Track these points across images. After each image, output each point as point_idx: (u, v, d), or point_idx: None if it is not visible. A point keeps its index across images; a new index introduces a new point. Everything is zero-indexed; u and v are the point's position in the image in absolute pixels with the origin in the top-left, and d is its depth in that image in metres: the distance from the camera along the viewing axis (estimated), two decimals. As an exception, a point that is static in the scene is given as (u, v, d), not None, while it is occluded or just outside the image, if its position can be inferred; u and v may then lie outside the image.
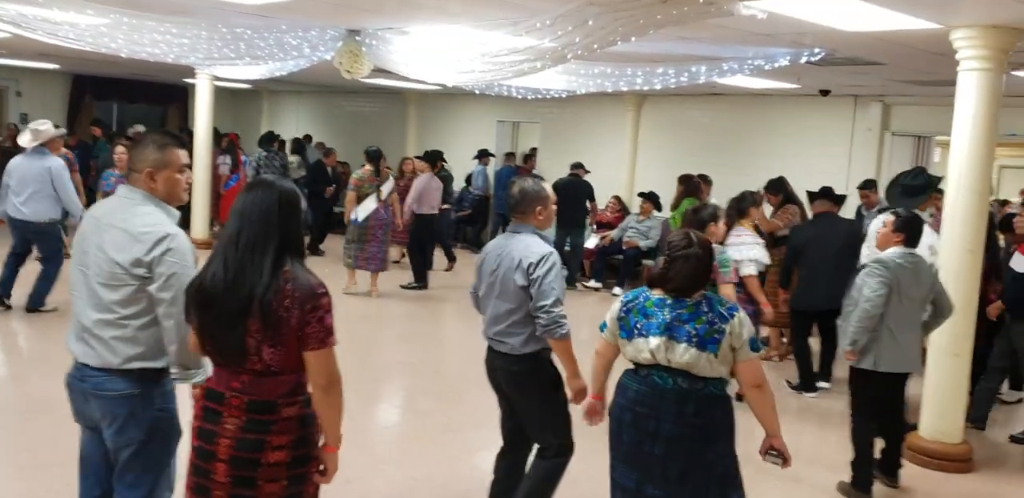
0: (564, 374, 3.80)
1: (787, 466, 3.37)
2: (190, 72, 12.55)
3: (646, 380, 3.30)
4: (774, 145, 11.41)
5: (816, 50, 6.89)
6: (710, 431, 3.25)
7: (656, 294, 3.33)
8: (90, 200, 10.17)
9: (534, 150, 14.62)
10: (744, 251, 6.17)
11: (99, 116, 17.20)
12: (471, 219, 14.41)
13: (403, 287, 10.24)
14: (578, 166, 11.36)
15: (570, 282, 10.88)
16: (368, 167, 9.77)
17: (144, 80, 17.85)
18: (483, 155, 14.16)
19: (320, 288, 2.52)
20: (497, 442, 5.50)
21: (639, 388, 3.31)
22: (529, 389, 3.81)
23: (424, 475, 4.70)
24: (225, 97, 17.61)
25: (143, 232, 2.80)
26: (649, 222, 10.92)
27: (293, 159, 14.09)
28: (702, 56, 7.37)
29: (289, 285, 2.48)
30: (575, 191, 10.89)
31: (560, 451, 3.85)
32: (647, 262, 10.73)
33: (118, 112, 18.53)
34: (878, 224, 5.15)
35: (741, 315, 3.24)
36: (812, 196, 7.35)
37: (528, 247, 3.69)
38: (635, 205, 11.68)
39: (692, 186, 9.52)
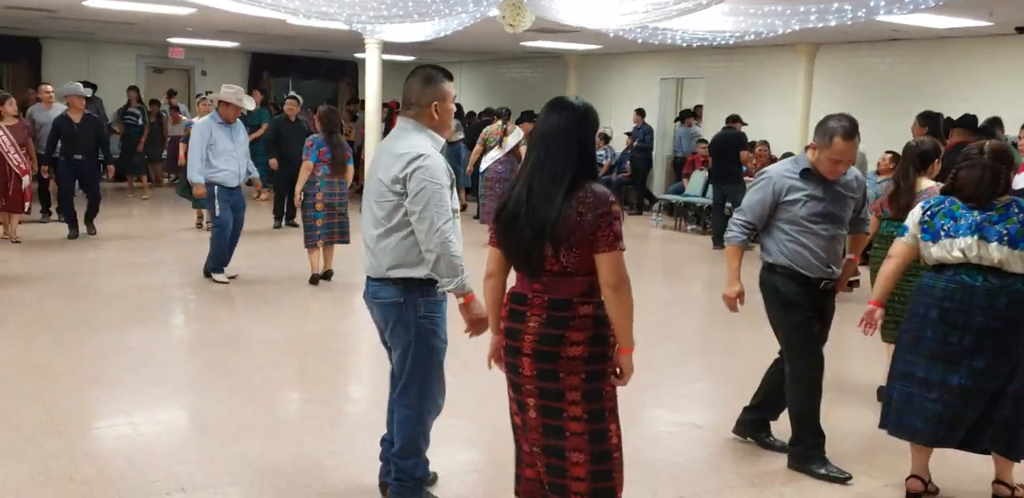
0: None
1: None
2: (359, 46, 12.96)
3: (954, 279, 3.50)
4: (962, 91, 10.58)
5: (1013, -27, 6.33)
6: (1019, 324, 3.43)
7: None
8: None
9: (699, 107, 14.26)
10: None
11: (276, 92, 18.12)
12: (632, 181, 14.22)
13: None
14: (734, 119, 10.93)
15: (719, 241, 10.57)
16: (498, 122, 10.59)
17: (317, 57, 18.64)
18: (687, 116, 14.08)
19: (611, 196, 2.68)
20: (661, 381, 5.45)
21: (946, 286, 3.51)
22: (763, 297, 4.09)
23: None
24: (392, 70, 18.08)
25: (402, 153, 3.10)
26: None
27: (453, 123, 14.42)
28: (882, -10, 6.92)
29: (582, 192, 2.65)
30: (728, 143, 10.56)
31: (791, 365, 3.99)
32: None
33: (293, 88, 19.42)
34: None
35: None
36: (949, 125, 6.76)
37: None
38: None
39: None
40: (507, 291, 2.86)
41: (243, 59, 18.57)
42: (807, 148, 4.00)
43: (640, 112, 14.06)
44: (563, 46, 13.67)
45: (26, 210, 9.21)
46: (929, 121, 7.65)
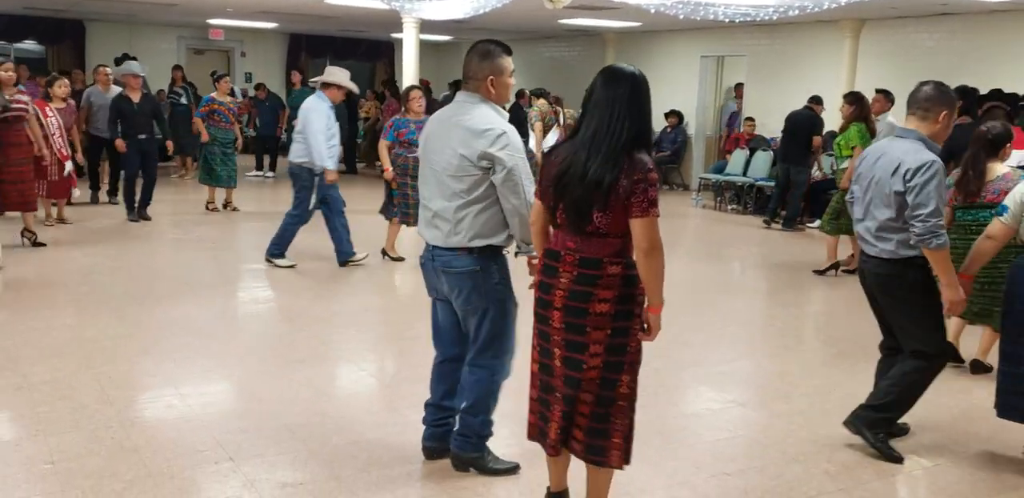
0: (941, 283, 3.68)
1: None
2: (397, 26, 12.94)
3: None
4: (1013, 67, 10.32)
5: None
6: None
7: None
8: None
9: (740, 85, 14.07)
10: None
11: (314, 73, 18.11)
12: (672, 160, 14.10)
13: None
14: (815, 100, 10.54)
15: (788, 223, 10.43)
16: (542, 100, 10.78)
17: (354, 37, 18.66)
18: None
19: (649, 163, 2.73)
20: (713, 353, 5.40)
21: None
22: (895, 293, 3.80)
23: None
24: (429, 50, 18.08)
25: (485, 129, 3.17)
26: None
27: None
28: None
29: (624, 159, 2.72)
30: (800, 124, 10.23)
31: (926, 358, 3.80)
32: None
33: (331, 69, 19.49)
34: None
35: None
36: (981, 99, 6.61)
37: (910, 152, 3.63)
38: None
39: (865, 107, 7.95)
40: (545, 247, 2.98)
41: (281, 40, 18.65)
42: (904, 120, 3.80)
43: None
44: (602, 23, 13.54)
45: (71, 196, 9.28)
46: (964, 97, 7.48)
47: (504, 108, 3.36)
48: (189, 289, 6.60)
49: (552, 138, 10.45)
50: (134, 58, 13.47)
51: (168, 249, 8.22)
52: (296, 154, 7.06)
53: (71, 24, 16.27)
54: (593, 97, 2.80)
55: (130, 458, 3.55)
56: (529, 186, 3.18)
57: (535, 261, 3.19)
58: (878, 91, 8.67)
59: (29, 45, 16.86)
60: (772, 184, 11.06)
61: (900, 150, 3.67)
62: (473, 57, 3.27)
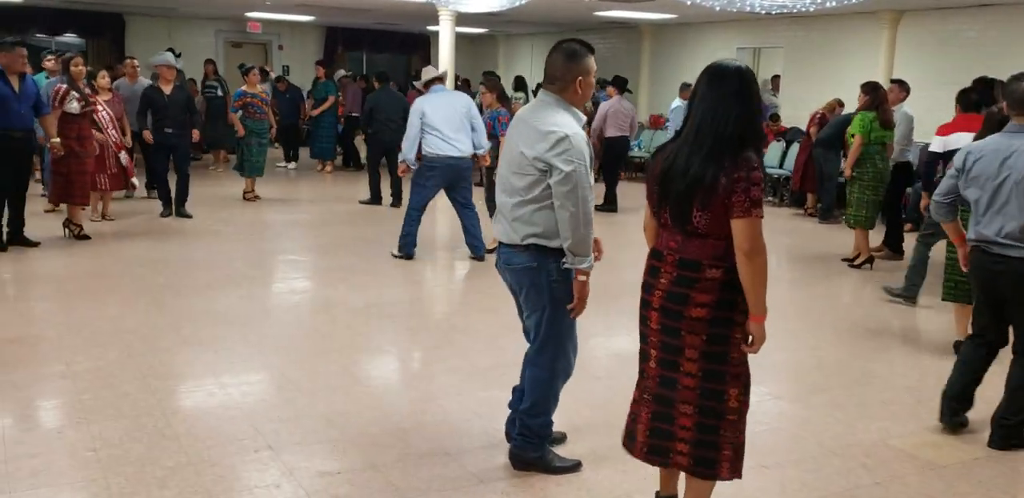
0: None
1: None
2: (432, 19, 12.96)
3: None
4: (1059, 58, 10.13)
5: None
6: None
7: None
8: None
9: (776, 77, 13.93)
10: None
11: (351, 66, 18.27)
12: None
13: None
14: None
15: (824, 214, 10.32)
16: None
17: (390, 30, 18.73)
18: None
19: (754, 162, 2.63)
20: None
21: None
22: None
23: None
24: (464, 43, 18.13)
25: (548, 131, 3.15)
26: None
27: (520, 95, 14.45)
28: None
29: (726, 156, 2.64)
30: (838, 117, 10.14)
31: None
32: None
33: (367, 62, 19.59)
34: None
35: None
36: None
37: None
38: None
39: (879, 97, 7.76)
40: (650, 247, 2.92)
41: (319, 34, 18.79)
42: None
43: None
44: (638, 16, 13.47)
45: (130, 186, 9.15)
46: (987, 88, 7.31)
47: (583, 107, 3.33)
48: (228, 280, 6.69)
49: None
50: (177, 54, 13.63)
51: (206, 240, 8.31)
52: (443, 148, 7.16)
53: (111, 17, 16.51)
54: (698, 95, 2.74)
55: (171, 446, 3.61)
56: (588, 194, 3.13)
57: (583, 277, 3.21)
58: (893, 81, 8.62)
59: (69, 38, 17.12)
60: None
61: None
62: (559, 58, 3.24)
